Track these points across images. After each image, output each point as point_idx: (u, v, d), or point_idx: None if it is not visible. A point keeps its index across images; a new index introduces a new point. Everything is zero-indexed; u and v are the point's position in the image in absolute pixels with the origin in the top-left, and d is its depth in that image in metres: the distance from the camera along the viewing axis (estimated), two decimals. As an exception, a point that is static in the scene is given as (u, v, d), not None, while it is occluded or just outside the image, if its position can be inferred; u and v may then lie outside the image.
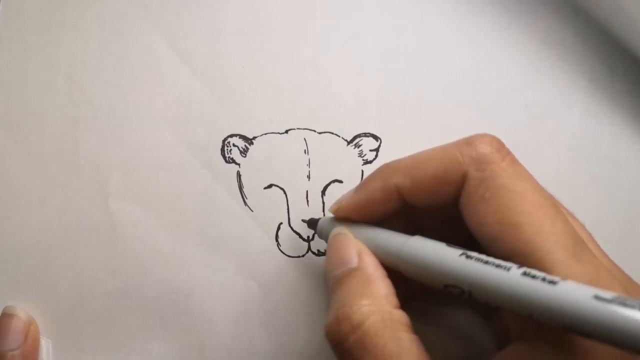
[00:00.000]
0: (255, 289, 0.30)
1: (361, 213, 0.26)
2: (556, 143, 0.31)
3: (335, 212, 0.26)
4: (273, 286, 0.30)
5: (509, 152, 0.23)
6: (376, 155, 0.30)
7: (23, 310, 0.28)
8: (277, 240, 0.30)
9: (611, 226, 0.31)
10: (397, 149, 0.30)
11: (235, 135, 0.30)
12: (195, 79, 0.30)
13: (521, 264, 0.20)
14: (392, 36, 0.31)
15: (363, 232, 0.25)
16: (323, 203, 0.30)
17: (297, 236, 0.30)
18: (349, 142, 0.30)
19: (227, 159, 0.30)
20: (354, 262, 0.24)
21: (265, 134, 0.30)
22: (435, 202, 0.24)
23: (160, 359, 0.29)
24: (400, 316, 0.22)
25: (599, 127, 0.31)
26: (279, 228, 0.30)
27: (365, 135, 0.30)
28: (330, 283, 0.25)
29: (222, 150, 0.30)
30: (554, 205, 0.22)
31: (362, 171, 0.30)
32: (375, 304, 0.22)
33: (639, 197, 0.31)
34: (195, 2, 0.30)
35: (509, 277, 0.20)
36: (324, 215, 0.30)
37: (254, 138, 0.30)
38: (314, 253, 0.30)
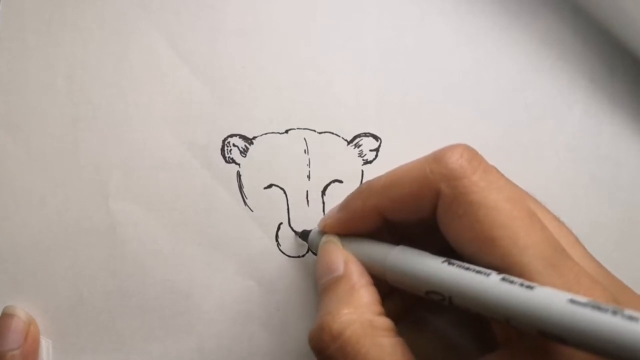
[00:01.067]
0: (255, 289, 0.30)
1: (346, 230, 0.26)
2: (556, 143, 0.31)
3: (323, 229, 0.27)
4: (273, 286, 0.30)
5: (480, 162, 0.23)
6: (376, 155, 0.30)
7: (23, 310, 0.28)
8: (277, 240, 0.30)
9: (611, 226, 0.31)
10: (397, 149, 0.30)
11: (235, 135, 0.30)
12: (195, 79, 0.30)
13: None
14: (392, 36, 0.31)
15: (351, 243, 0.26)
16: (323, 203, 0.30)
17: (297, 236, 0.30)
18: (349, 142, 0.30)
19: (227, 159, 0.30)
20: (339, 269, 0.25)
21: (265, 134, 0.30)
22: (415, 218, 0.24)
23: (160, 359, 0.29)
24: (383, 322, 0.23)
25: (599, 127, 0.31)
26: (279, 228, 0.30)
27: (365, 135, 0.30)
28: (318, 290, 0.25)
29: (222, 150, 0.30)
30: (530, 214, 0.22)
31: (362, 171, 0.30)
32: (357, 312, 0.23)
33: (639, 197, 0.31)
34: (195, 2, 0.30)
35: (487, 282, 0.20)
36: (324, 214, 0.30)
37: (254, 138, 0.30)
38: (314, 253, 0.30)
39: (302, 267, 0.30)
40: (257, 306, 0.30)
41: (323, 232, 0.27)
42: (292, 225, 0.30)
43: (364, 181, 0.30)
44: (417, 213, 0.24)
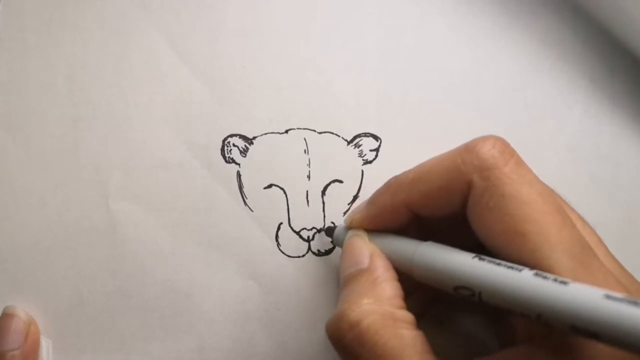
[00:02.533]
0: (255, 289, 0.30)
1: (374, 225, 0.26)
2: (556, 143, 0.31)
3: (349, 224, 0.27)
4: (273, 286, 0.30)
5: (513, 154, 0.23)
6: (376, 155, 0.30)
7: (23, 310, 0.28)
8: (277, 240, 0.30)
9: (611, 226, 0.31)
10: (397, 149, 0.30)
11: (235, 135, 0.30)
12: (195, 79, 0.30)
13: None
14: (392, 36, 0.31)
15: (378, 238, 0.26)
16: (323, 203, 0.30)
17: (297, 236, 0.30)
18: (349, 142, 0.30)
19: (227, 158, 0.30)
20: (365, 262, 0.24)
21: (265, 133, 0.30)
22: (445, 212, 0.24)
23: (160, 359, 0.29)
24: (404, 315, 0.22)
25: (599, 127, 0.31)
26: (279, 228, 0.30)
27: (365, 135, 0.30)
28: (341, 281, 0.25)
29: (222, 150, 0.30)
30: (561, 211, 0.22)
31: (362, 171, 0.30)
32: (377, 304, 0.22)
33: (639, 197, 0.31)
34: (195, 2, 0.30)
35: (520, 277, 0.20)
36: (324, 215, 0.30)
37: (254, 138, 0.30)
38: (314, 253, 0.30)
39: (302, 267, 0.30)
40: (257, 306, 0.30)
41: (349, 227, 0.27)
42: (292, 225, 0.30)
43: (363, 181, 0.30)
44: (447, 207, 0.23)
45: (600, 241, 0.24)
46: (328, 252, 0.30)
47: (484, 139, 0.23)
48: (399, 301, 0.23)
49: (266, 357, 0.30)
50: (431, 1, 0.31)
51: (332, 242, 0.29)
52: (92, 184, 0.29)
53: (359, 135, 0.30)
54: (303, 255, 0.30)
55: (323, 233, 0.30)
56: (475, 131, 0.30)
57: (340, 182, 0.30)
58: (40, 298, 0.29)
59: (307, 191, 0.30)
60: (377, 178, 0.30)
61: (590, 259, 0.21)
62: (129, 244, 0.29)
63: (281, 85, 0.30)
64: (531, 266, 0.20)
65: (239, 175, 0.30)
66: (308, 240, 0.30)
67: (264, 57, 0.30)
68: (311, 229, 0.30)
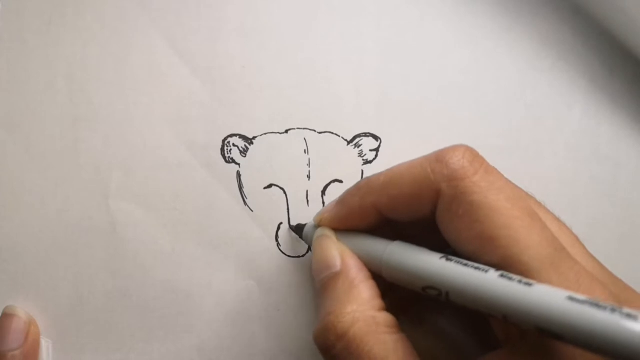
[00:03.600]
0: (255, 289, 0.30)
1: (343, 225, 0.26)
2: (556, 143, 0.31)
3: (318, 223, 0.27)
4: (273, 286, 0.30)
5: (482, 163, 0.23)
6: (376, 155, 0.30)
7: (23, 311, 0.28)
8: (277, 240, 0.30)
9: (611, 226, 0.31)
10: (397, 149, 0.30)
11: (235, 135, 0.30)
12: (195, 79, 0.30)
13: None
14: (392, 36, 0.31)
15: (347, 237, 0.26)
16: (323, 203, 0.30)
17: (297, 236, 0.30)
18: (349, 142, 0.30)
19: (227, 158, 0.30)
20: (337, 265, 0.24)
21: (265, 133, 0.30)
22: (414, 217, 0.24)
23: (160, 359, 0.29)
24: (385, 318, 0.23)
25: (599, 127, 0.31)
26: (279, 228, 0.30)
27: (365, 135, 0.30)
28: (316, 287, 0.25)
29: (222, 150, 0.30)
30: (531, 214, 0.22)
31: (362, 171, 0.30)
32: (360, 310, 0.23)
33: (638, 197, 0.31)
34: (195, 2, 0.30)
35: (485, 278, 0.20)
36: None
37: (254, 138, 0.30)
38: (309, 248, 0.30)
39: (302, 267, 0.30)
40: (257, 306, 0.30)
41: (318, 226, 0.27)
42: (292, 225, 0.30)
43: (363, 181, 0.30)
44: (416, 212, 0.24)
45: (577, 241, 0.24)
46: (328, 252, 0.30)
47: (454, 149, 0.23)
48: (378, 302, 0.23)
49: (266, 357, 0.30)
50: (431, 1, 0.31)
51: (302, 239, 0.29)
52: (92, 184, 0.29)
53: (359, 135, 0.30)
54: (303, 255, 0.30)
55: (292, 230, 0.30)
56: (475, 131, 0.31)
57: (340, 182, 0.30)
58: (40, 298, 0.29)
59: (307, 191, 0.30)
60: (377, 178, 0.30)
61: (561, 259, 0.21)
62: (129, 244, 0.29)
63: (281, 85, 0.30)
64: (502, 270, 0.21)
65: (239, 175, 0.30)
66: (308, 240, 0.30)
67: (264, 57, 0.30)
68: (306, 224, 0.30)
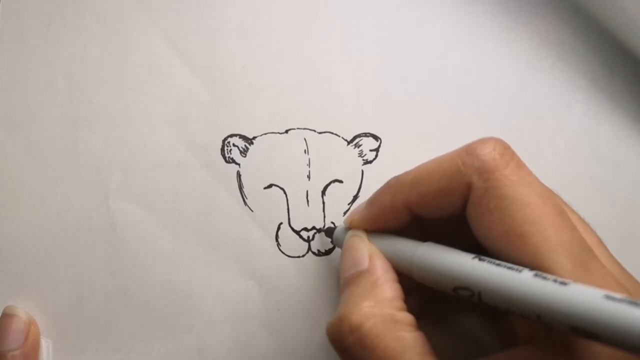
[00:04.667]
0: (255, 289, 0.30)
1: (373, 226, 0.26)
2: (556, 143, 0.31)
3: (349, 225, 0.27)
4: (273, 286, 0.30)
5: (513, 156, 0.23)
6: (376, 155, 0.30)
7: (23, 311, 0.28)
8: (277, 240, 0.30)
9: (611, 226, 0.31)
10: (397, 149, 0.30)
11: (235, 135, 0.30)
12: (195, 79, 0.30)
13: None
14: (392, 36, 0.31)
15: (377, 239, 0.26)
16: (323, 203, 0.30)
17: (297, 236, 0.30)
18: (349, 142, 0.30)
19: (227, 158, 0.30)
20: (364, 264, 0.24)
21: (265, 133, 0.30)
22: (444, 213, 0.24)
23: (160, 359, 0.29)
24: (404, 317, 0.22)
25: (599, 127, 0.31)
26: (279, 228, 0.30)
27: (365, 135, 0.30)
28: (341, 284, 0.25)
29: (222, 150, 0.30)
30: (561, 212, 0.22)
31: (362, 171, 0.30)
32: (378, 306, 0.22)
33: (639, 197, 0.31)
34: (195, 2, 0.30)
35: (520, 278, 0.20)
36: (324, 215, 0.30)
37: (254, 138, 0.30)
38: (314, 253, 0.30)
39: (302, 267, 0.30)
40: (257, 306, 0.30)
41: (349, 228, 0.27)
42: (292, 225, 0.30)
43: (363, 181, 0.30)
44: (447, 208, 0.23)
45: (600, 242, 0.24)
46: (328, 252, 0.30)
47: (485, 141, 0.23)
48: (399, 303, 0.23)
49: (266, 357, 0.30)
50: (431, 1, 0.31)
51: (332, 242, 0.29)
52: (92, 184, 0.29)
53: (359, 135, 0.30)
54: (303, 255, 0.30)
55: (323, 233, 0.30)
56: (475, 131, 0.31)
57: (340, 182, 0.30)
58: (40, 298, 0.29)
59: (307, 191, 0.30)
60: (377, 178, 0.30)
61: (589, 259, 0.21)
62: (129, 244, 0.29)
63: (281, 85, 0.30)
64: (531, 267, 0.20)
65: (239, 175, 0.30)
66: (308, 241, 0.30)
67: (264, 57, 0.30)
68: (311, 229, 0.30)
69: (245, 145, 0.30)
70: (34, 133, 0.29)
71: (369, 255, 0.25)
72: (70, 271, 0.29)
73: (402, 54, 0.31)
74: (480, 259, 0.21)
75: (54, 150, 0.29)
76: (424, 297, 0.27)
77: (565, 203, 0.25)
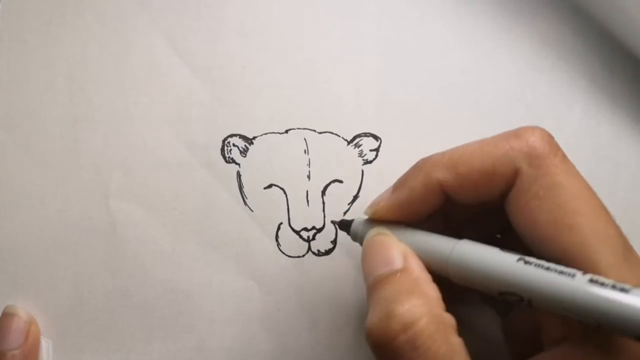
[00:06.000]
0: (255, 289, 0.30)
1: (402, 214, 0.24)
2: (556, 143, 0.31)
3: (372, 215, 0.25)
4: (273, 286, 0.30)
5: (558, 147, 0.22)
6: (376, 155, 0.30)
7: (24, 310, 0.28)
8: (277, 240, 0.30)
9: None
10: (397, 148, 0.30)
11: (235, 135, 0.30)
12: (195, 79, 0.30)
13: (570, 266, 0.20)
14: (392, 36, 0.31)
15: (404, 235, 0.24)
16: (323, 203, 0.30)
17: (297, 236, 0.30)
18: (349, 142, 0.30)
19: (227, 158, 0.30)
20: (398, 263, 0.22)
21: (265, 133, 0.30)
22: (481, 199, 0.23)
23: (160, 359, 0.29)
24: (450, 319, 0.21)
25: (599, 127, 0.31)
26: (279, 228, 0.30)
27: (366, 135, 0.30)
28: (369, 283, 0.23)
29: (222, 150, 0.30)
30: (604, 207, 0.21)
31: (362, 171, 0.30)
32: (428, 305, 0.21)
33: (638, 197, 0.31)
34: (195, 2, 0.30)
35: (574, 284, 0.19)
36: (324, 215, 0.30)
37: (254, 138, 0.30)
38: (314, 253, 0.30)
39: (302, 267, 0.30)
40: (257, 306, 0.30)
41: (371, 220, 0.25)
42: (292, 225, 0.30)
43: (363, 181, 0.30)
44: (485, 193, 0.22)
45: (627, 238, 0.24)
46: (328, 252, 0.30)
47: (532, 128, 0.22)
48: (442, 304, 0.22)
49: (266, 357, 0.30)
50: (431, 1, 0.31)
51: (350, 236, 0.27)
52: (92, 184, 0.29)
53: (359, 135, 0.30)
54: (303, 255, 0.30)
55: (324, 231, 0.30)
56: (475, 131, 0.31)
57: (340, 182, 0.30)
58: (40, 298, 0.29)
59: (307, 191, 0.30)
60: (377, 178, 0.30)
61: (630, 255, 0.21)
62: (129, 244, 0.29)
63: (281, 85, 0.30)
64: (575, 259, 0.20)
65: (239, 175, 0.30)
66: (308, 240, 0.30)
67: (264, 57, 0.30)
68: (311, 229, 0.30)
69: (245, 145, 0.30)
70: (34, 133, 0.29)
71: (403, 254, 0.23)
72: (70, 271, 0.29)
73: (402, 54, 0.31)
74: (525, 262, 0.20)
75: (54, 150, 0.29)
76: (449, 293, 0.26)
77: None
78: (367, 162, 0.30)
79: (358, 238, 0.26)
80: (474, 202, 0.23)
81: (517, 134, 0.22)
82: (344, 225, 0.27)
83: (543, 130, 0.22)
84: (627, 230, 0.31)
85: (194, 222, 0.30)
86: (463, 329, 0.23)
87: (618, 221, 0.22)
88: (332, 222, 0.30)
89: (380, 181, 0.30)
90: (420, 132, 0.31)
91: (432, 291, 0.22)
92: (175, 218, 0.30)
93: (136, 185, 0.30)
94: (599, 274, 0.19)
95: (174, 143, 0.30)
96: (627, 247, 0.21)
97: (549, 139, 0.22)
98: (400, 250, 0.23)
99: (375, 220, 0.25)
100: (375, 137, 0.30)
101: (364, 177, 0.30)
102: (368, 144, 0.30)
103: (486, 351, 0.27)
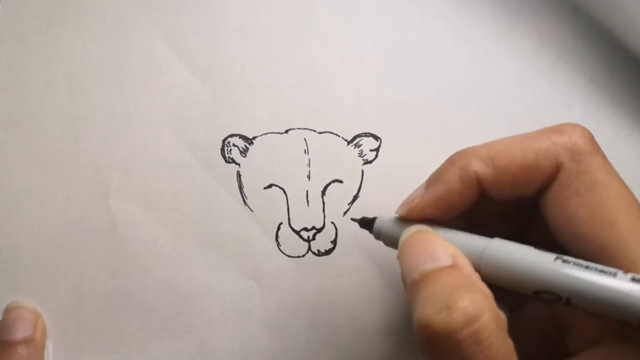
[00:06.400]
0: (255, 289, 0.30)
1: (437, 211, 0.23)
2: (556, 143, 0.31)
3: (407, 214, 0.24)
4: (273, 286, 0.30)
5: (599, 147, 0.22)
6: (376, 155, 0.30)
7: (29, 304, 0.28)
8: (277, 240, 0.30)
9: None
10: (397, 148, 0.30)
11: (235, 135, 0.30)
12: (195, 79, 0.30)
13: (607, 264, 0.20)
14: (392, 36, 0.31)
15: (437, 232, 0.23)
16: (323, 203, 0.30)
17: (297, 236, 0.30)
18: (349, 142, 0.30)
19: (227, 158, 0.30)
20: (446, 260, 0.21)
21: (266, 133, 0.30)
22: (518, 194, 0.22)
23: (160, 359, 0.29)
24: (505, 319, 0.20)
25: (599, 127, 0.31)
26: (279, 228, 0.30)
27: (366, 135, 0.30)
28: (413, 277, 0.21)
29: (222, 150, 0.30)
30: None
31: (362, 171, 0.30)
32: (489, 301, 0.20)
33: (639, 197, 0.31)
34: (195, 2, 0.30)
35: (616, 284, 0.19)
36: (324, 215, 0.30)
37: (254, 138, 0.30)
38: (314, 253, 0.30)
39: (302, 267, 0.30)
40: (257, 306, 0.30)
41: (396, 219, 0.24)
42: (292, 225, 0.30)
43: (363, 181, 0.30)
44: (524, 188, 0.22)
45: None
46: (328, 252, 0.30)
47: (573, 125, 0.22)
48: (495, 302, 0.21)
49: (266, 357, 0.30)
50: (431, 1, 0.31)
51: (374, 235, 0.26)
52: (92, 184, 0.29)
53: (359, 135, 0.30)
54: (303, 255, 0.30)
55: (324, 231, 0.29)
56: (475, 131, 0.31)
57: (341, 182, 0.30)
58: (40, 298, 0.29)
59: (307, 191, 0.30)
60: (377, 178, 0.30)
61: None
62: (129, 244, 0.29)
63: (281, 85, 0.30)
64: (613, 258, 0.20)
65: (239, 175, 0.30)
66: (308, 240, 0.30)
67: (264, 57, 0.30)
68: (311, 229, 0.30)
69: (245, 145, 0.30)
70: (34, 133, 0.29)
71: (451, 251, 0.21)
72: (70, 271, 0.29)
73: (402, 54, 0.31)
74: (563, 260, 0.20)
75: (54, 150, 0.29)
76: None
77: None
78: (367, 162, 0.30)
79: (383, 236, 0.25)
80: (510, 197, 0.23)
81: (559, 129, 0.22)
82: (365, 223, 0.27)
83: (584, 128, 0.22)
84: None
85: (194, 222, 0.30)
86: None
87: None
88: (352, 219, 0.28)
89: (381, 181, 0.30)
90: (420, 132, 0.31)
91: (486, 288, 0.20)
92: (175, 218, 0.30)
93: (136, 185, 0.30)
94: (638, 272, 0.19)
95: (174, 143, 0.30)
96: None
97: (590, 137, 0.22)
98: (448, 247, 0.22)
99: (403, 219, 0.24)
100: (375, 137, 0.30)
101: (364, 177, 0.30)
102: (368, 144, 0.30)
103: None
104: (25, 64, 0.30)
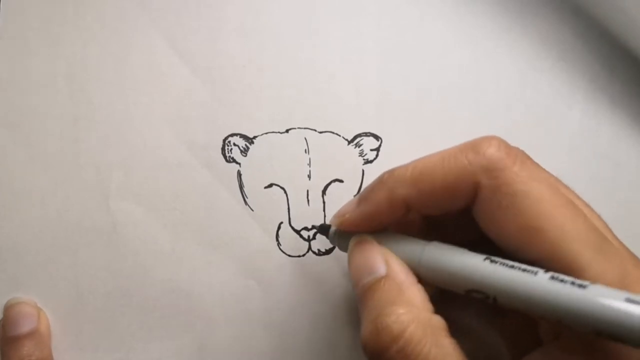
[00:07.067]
0: (255, 289, 0.30)
1: (367, 225, 0.25)
2: (556, 143, 0.31)
3: (339, 226, 0.26)
4: (273, 286, 0.30)
5: (517, 153, 0.22)
6: (377, 155, 0.30)
7: (28, 299, 0.28)
8: (277, 240, 0.30)
9: (611, 226, 0.31)
10: (397, 148, 0.30)
11: (236, 134, 0.30)
12: (195, 79, 0.30)
13: (549, 268, 0.20)
14: (392, 36, 0.31)
15: (379, 238, 0.24)
16: (323, 203, 0.30)
17: (298, 236, 0.30)
18: (349, 142, 0.30)
19: (227, 158, 0.30)
20: (381, 270, 0.23)
21: (266, 133, 0.30)
22: (445, 211, 0.23)
23: (160, 359, 0.29)
24: (439, 321, 0.22)
25: (599, 127, 0.32)
26: (279, 228, 0.30)
27: (366, 134, 0.30)
28: (357, 292, 0.24)
29: (223, 149, 0.30)
30: (571, 202, 0.22)
31: (363, 171, 0.30)
32: (413, 312, 0.21)
33: (638, 197, 0.31)
34: (195, 2, 0.30)
35: (536, 281, 0.19)
36: (324, 215, 0.30)
37: (255, 137, 0.30)
38: (314, 253, 0.30)
39: (302, 267, 0.30)
40: (257, 306, 0.30)
41: (339, 228, 0.26)
42: (292, 224, 0.30)
43: (364, 181, 0.30)
44: (449, 206, 0.23)
45: (606, 226, 0.24)
46: (328, 251, 0.30)
47: (488, 139, 0.23)
48: (429, 305, 0.22)
49: (266, 357, 0.30)
50: (431, 1, 0.31)
51: (314, 234, 0.29)
52: (92, 184, 0.29)
53: (359, 135, 0.30)
54: (303, 255, 0.30)
55: (316, 230, 0.30)
56: (475, 131, 0.30)
57: (341, 181, 0.30)
58: (40, 298, 0.29)
59: (307, 191, 0.30)
60: (377, 178, 0.30)
61: (606, 246, 0.21)
62: (129, 244, 0.29)
63: (281, 85, 0.30)
64: (551, 261, 0.20)
65: (239, 174, 0.30)
66: (308, 240, 0.30)
67: (264, 57, 0.30)
68: (312, 229, 0.30)
69: (245, 145, 0.30)
70: (34, 133, 0.29)
71: (384, 259, 0.23)
72: (70, 271, 0.29)
73: (402, 54, 0.31)
74: (491, 261, 0.21)
75: (54, 150, 0.29)
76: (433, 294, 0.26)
77: (568, 188, 0.24)
78: (367, 161, 0.30)
79: (339, 244, 0.27)
80: (438, 213, 0.24)
81: (473, 147, 0.22)
82: (323, 229, 0.28)
83: (499, 140, 0.23)
84: (627, 229, 0.31)
85: (194, 222, 0.30)
86: (459, 329, 0.23)
87: (618, 221, 0.22)
88: (313, 226, 0.30)
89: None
90: (420, 132, 0.31)
91: (417, 295, 0.22)
92: (175, 218, 0.30)
93: (136, 185, 0.29)
94: (577, 272, 0.20)
95: (174, 143, 0.30)
96: (600, 239, 0.21)
97: (506, 148, 0.22)
98: (382, 255, 0.23)
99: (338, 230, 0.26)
100: (376, 137, 0.30)
101: (364, 176, 0.30)
102: (368, 143, 0.30)
103: (483, 350, 0.27)
104: (26, 63, 0.29)
